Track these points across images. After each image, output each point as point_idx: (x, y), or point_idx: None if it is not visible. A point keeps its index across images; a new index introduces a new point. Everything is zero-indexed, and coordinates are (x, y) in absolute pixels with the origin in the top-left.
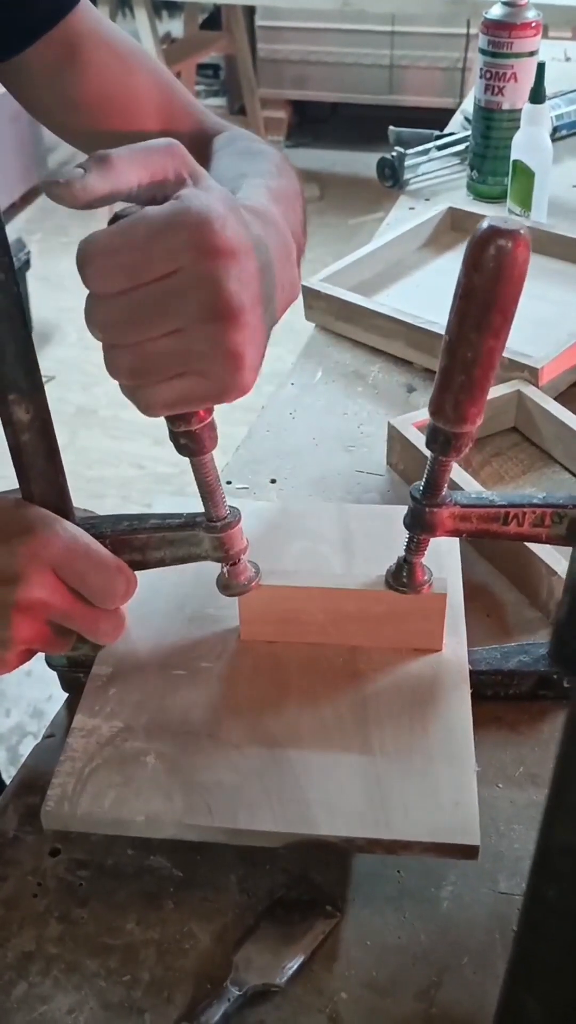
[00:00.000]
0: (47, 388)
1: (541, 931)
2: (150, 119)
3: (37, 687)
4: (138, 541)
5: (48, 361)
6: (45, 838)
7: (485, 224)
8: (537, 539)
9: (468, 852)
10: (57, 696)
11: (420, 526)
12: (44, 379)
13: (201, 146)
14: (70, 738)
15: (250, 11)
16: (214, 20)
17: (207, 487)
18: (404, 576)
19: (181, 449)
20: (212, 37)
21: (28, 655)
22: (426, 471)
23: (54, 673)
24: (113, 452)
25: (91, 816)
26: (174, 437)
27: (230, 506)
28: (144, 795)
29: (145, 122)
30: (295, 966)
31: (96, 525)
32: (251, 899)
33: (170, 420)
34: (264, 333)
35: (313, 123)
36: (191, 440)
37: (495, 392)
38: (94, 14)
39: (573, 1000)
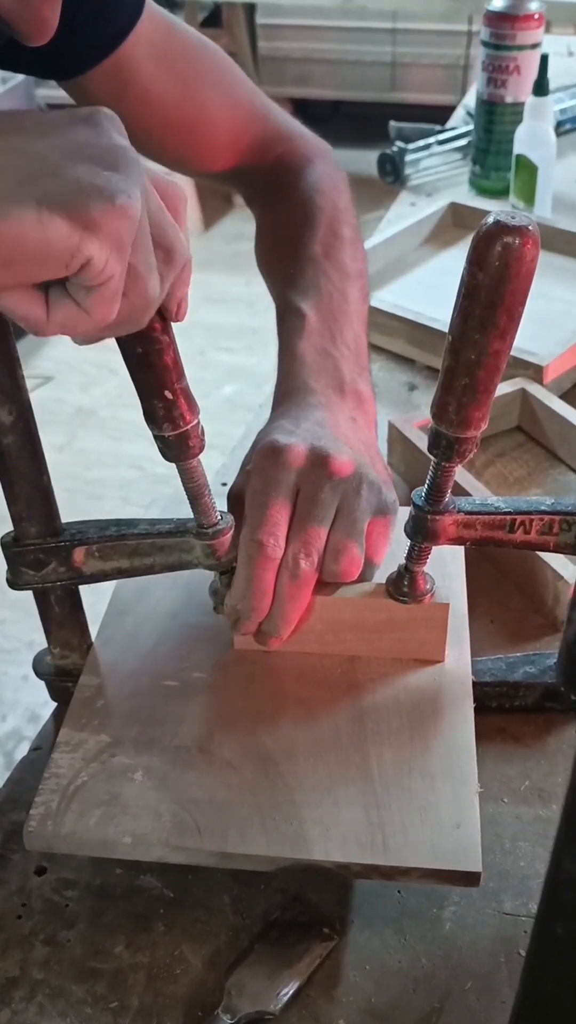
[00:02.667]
0: (45, 389)
1: (549, 967)
2: (217, 132)
3: (34, 692)
4: (127, 547)
5: (46, 361)
6: (31, 857)
7: (491, 219)
8: (544, 547)
9: (469, 879)
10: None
11: (422, 534)
12: (42, 380)
13: (269, 149)
14: (55, 753)
15: (250, 9)
16: (214, 18)
17: (193, 492)
18: (405, 585)
19: (165, 454)
20: (212, 35)
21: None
22: (428, 477)
23: None
24: (112, 453)
25: (75, 836)
26: (158, 441)
27: (222, 512)
28: (131, 814)
29: (212, 137)
30: (290, 992)
31: (83, 530)
32: (245, 921)
33: (154, 424)
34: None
35: (315, 121)
36: (173, 445)
37: (498, 390)
38: (157, 31)
39: None
